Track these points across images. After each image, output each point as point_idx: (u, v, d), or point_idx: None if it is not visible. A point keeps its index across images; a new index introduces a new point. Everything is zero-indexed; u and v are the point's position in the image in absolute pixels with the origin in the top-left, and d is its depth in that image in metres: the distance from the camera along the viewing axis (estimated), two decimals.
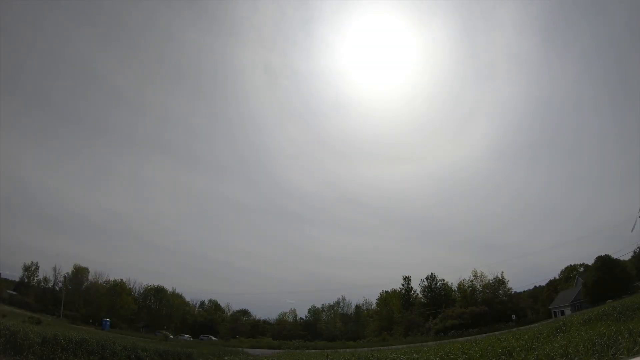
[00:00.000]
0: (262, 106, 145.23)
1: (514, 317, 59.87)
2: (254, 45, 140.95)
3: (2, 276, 75.80)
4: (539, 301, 68.88)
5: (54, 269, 78.81)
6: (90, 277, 77.87)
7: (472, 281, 73.47)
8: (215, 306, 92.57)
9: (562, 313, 53.54)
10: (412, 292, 78.90)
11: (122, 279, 79.33)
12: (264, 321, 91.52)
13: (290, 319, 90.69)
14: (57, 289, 76.13)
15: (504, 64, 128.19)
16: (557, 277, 71.61)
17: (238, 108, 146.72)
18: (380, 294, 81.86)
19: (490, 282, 70.84)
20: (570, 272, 67.97)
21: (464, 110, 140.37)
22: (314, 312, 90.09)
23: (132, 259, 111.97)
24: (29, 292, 72.78)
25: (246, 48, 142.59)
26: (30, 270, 78.05)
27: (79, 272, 77.57)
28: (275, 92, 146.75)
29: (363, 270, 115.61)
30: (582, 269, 65.23)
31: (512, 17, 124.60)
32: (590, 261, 59.63)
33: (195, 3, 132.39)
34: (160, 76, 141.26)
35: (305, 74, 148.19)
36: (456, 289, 76.35)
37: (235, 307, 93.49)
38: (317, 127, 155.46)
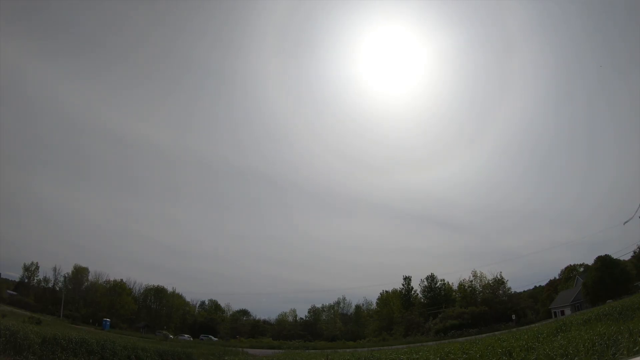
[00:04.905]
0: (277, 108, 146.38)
1: (514, 317, 59.84)
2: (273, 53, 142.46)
3: (2, 276, 75.93)
4: (539, 301, 68.83)
5: (54, 269, 79.04)
6: (90, 277, 78.05)
7: (472, 281, 73.50)
8: (215, 306, 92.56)
9: (562, 313, 53.54)
10: (412, 292, 78.94)
11: (122, 279, 79.45)
12: (264, 321, 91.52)
13: (290, 319, 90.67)
14: (57, 289, 76.17)
15: (517, 67, 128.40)
16: (557, 277, 71.60)
17: (251, 109, 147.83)
18: (380, 294, 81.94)
19: (490, 282, 70.83)
20: (570, 272, 67.93)
21: (471, 118, 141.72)
22: (314, 312, 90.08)
23: (132, 259, 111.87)
24: (29, 292, 72.83)
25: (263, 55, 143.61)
26: (30, 270, 78.07)
27: (79, 272, 77.58)
28: (290, 98, 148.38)
29: (363, 270, 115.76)
30: (582, 269, 65.21)
31: (524, 25, 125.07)
32: (590, 261, 59.70)
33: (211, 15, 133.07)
34: (163, 72, 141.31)
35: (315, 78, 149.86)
36: (456, 289, 76.38)
37: (235, 307, 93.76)
38: (327, 130, 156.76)
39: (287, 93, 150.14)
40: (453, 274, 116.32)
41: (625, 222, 47.09)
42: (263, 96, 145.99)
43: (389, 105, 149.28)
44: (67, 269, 78.38)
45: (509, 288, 70.35)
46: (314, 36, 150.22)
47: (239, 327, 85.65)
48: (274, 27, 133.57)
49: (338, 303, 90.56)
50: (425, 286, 77.66)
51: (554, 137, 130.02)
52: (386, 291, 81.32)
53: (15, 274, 78.03)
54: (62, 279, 78.20)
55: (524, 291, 75.22)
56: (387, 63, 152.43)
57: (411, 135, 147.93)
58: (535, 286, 77.99)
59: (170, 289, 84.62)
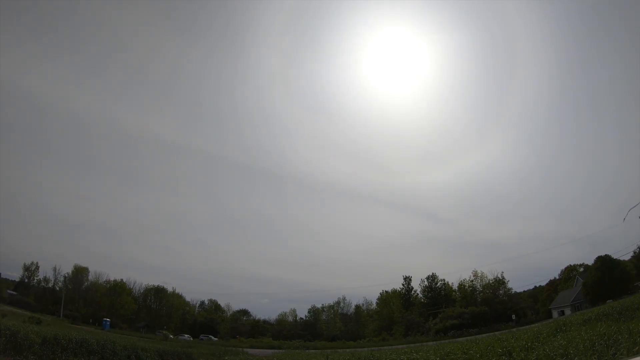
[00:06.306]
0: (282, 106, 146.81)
1: (514, 317, 59.84)
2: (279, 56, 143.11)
3: (2, 276, 75.89)
4: (539, 301, 68.79)
5: (54, 269, 79.07)
6: (90, 277, 78.12)
7: (472, 281, 73.52)
8: (215, 306, 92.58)
9: (562, 313, 53.53)
10: (413, 292, 78.91)
11: (122, 279, 79.57)
12: (264, 321, 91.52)
13: (290, 319, 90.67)
14: (57, 289, 76.15)
15: (520, 67, 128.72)
16: (557, 277, 71.54)
17: (255, 108, 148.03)
18: (380, 294, 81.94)
19: (491, 282, 70.84)
20: (570, 272, 67.87)
21: (476, 118, 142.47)
22: (314, 312, 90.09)
23: (132, 259, 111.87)
24: (29, 292, 72.78)
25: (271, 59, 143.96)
26: (30, 270, 78.06)
27: (79, 272, 77.58)
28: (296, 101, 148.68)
29: (363, 269, 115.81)
30: (582, 269, 65.15)
31: (528, 25, 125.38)
32: (590, 261, 59.66)
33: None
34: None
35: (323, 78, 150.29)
36: (456, 288, 76.35)
37: (235, 307, 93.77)
38: (329, 130, 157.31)
39: (291, 94, 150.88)
40: (453, 274, 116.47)
41: (625, 219, 47.01)
42: (268, 98, 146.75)
43: (394, 105, 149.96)
44: (67, 269, 78.65)
45: (510, 288, 70.53)
46: (317, 36, 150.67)
47: (239, 327, 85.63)
48: (278, 28, 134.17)
49: (338, 303, 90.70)
50: (426, 286, 77.65)
51: (556, 137, 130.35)
52: (386, 291, 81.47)
53: (15, 274, 78.21)
54: (62, 279, 78.42)
55: (524, 291, 75.29)
56: (391, 64, 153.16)
57: (416, 135, 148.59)
58: (535, 286, 77.95)
59: (170, 289, 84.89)
